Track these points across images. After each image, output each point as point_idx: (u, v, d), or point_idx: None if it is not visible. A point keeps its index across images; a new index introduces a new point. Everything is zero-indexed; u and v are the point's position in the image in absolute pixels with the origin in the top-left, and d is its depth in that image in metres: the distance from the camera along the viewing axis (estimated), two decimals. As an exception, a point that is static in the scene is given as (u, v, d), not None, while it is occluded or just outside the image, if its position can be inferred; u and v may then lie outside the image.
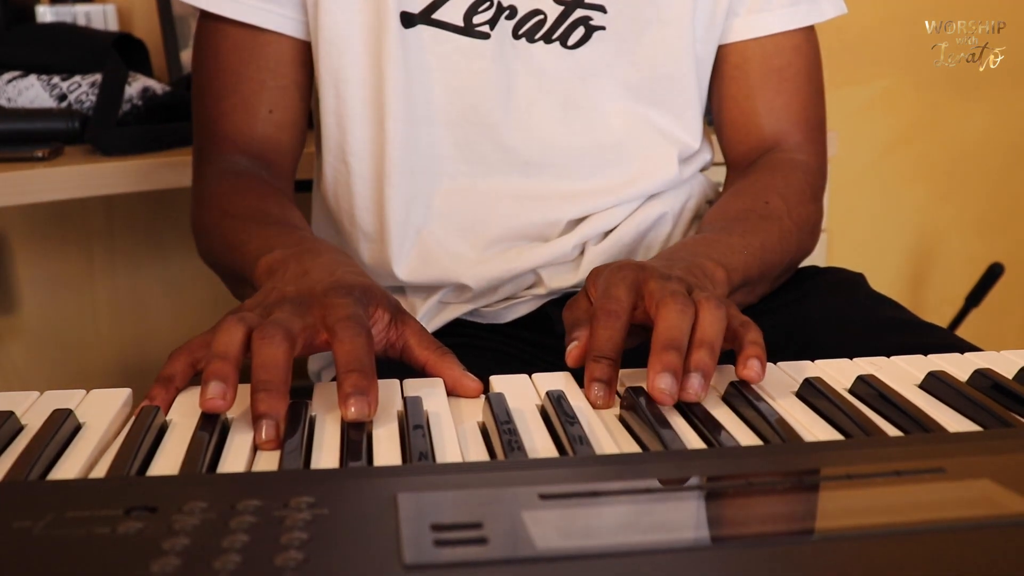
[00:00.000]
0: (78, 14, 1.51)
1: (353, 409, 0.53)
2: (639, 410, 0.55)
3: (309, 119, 0.93)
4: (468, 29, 0.84)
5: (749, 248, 0.79)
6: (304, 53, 0.88)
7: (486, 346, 0.88)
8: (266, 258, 0.71)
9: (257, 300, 0.64)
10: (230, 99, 0.87)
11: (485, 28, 0.84)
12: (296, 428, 0.53)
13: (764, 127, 0.93)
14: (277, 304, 0.61)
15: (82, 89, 1.28)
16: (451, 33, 0.84)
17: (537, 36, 0.85)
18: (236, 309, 0.62)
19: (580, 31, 0.86)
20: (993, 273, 1.85)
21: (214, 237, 0.83)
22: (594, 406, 0.58)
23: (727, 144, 0.96)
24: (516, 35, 0.85)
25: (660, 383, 0.56)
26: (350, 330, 0.57)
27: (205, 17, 0.88)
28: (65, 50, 1.30)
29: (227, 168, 0.87)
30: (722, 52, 0.92)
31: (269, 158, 0.89)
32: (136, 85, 1.29)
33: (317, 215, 0.98)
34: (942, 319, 1.83)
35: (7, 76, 1.28)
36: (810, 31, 0.93)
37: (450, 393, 0.61)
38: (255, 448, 0.52)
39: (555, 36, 0.85)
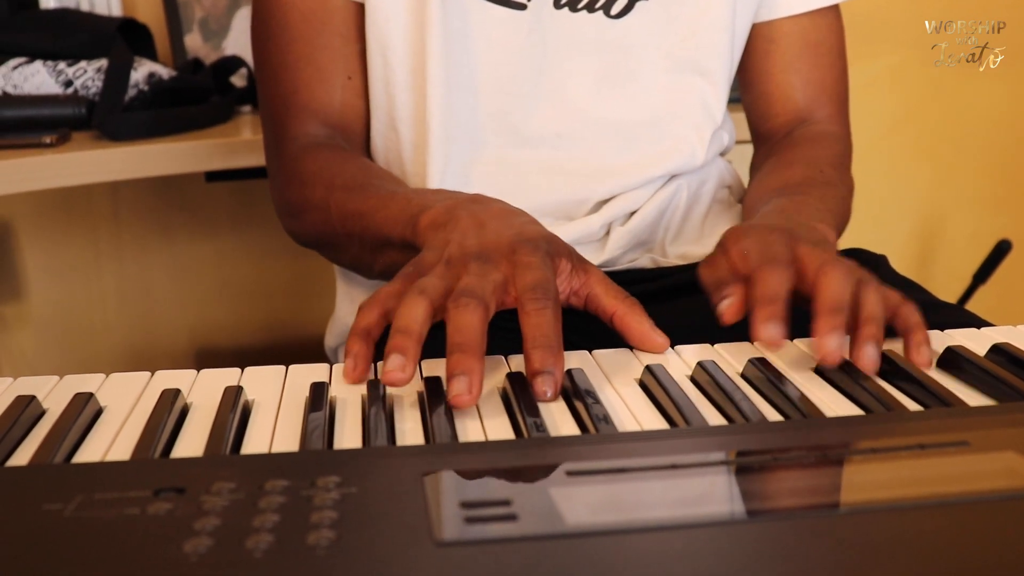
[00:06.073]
0: (81, -1, 1.51)
1: (543, 390, 0.54)
2: (663, 384, 0.55)
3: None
4: None
5: (831, 212, 0.82)
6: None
7: (510, 327, 0.88)
8: (428, 213, 0.69)
9: (435, 256, 0.62)
10: (307, 70, 0.87)
11: None
12: (319, 408, 0.53)
13: (799, 100, 0.96)
14: (461, 261, 0.60)
15: (88, 75, 1.27)
16: (488, 2, 0.84)
17: (580, 5, 0.86)
18: (414, 266, 0.61)
19: (623, 0, 0.86)
20: (1001, 250, 1.85)
21: (327, 210, 0.82)
22: (770, 345, 0.58)
23: (760, 116, 0.98)
24: (558, 5, 0.86)
25: (831, 343, 0.56)
26: (538, 303, 0.57)
27: None
28: (70, 36, 1.30)
29: (308, 142, 0.87)
30: (759, 27, 0.95)
31: (347, 126, 0.88)
32: (142, 70, 1.29)
33: None
34: (950, 296, 1.83)
35: (13, 63, 1.28)
36: (838, 7, 0.97)
37: (636, 347, 0.61)
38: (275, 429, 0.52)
39: (598, 5, 0.86)
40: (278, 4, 0.87)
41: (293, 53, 0.87)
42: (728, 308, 0.63)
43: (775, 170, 0.91)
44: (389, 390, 0.57)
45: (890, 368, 0.59)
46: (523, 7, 0.85)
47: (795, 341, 0.65)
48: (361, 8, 0.87)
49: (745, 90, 1.00)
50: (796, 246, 0.64)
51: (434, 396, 0.55)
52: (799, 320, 0.65)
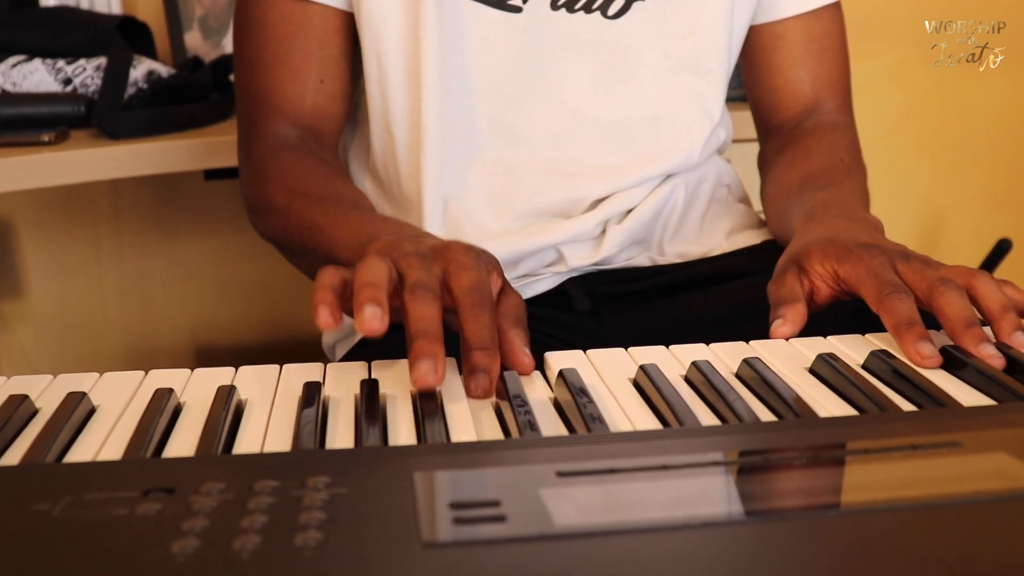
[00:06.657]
0: (81, -3, 1.51)
1: (477, 386, 0.55)
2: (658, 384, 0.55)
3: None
4: (500, 1, 0.85)
5: (862, 199, 0.86)
6: (348, 23, 0.88)
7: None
8: (375, 244, 0.70)
9: (380, 251, 0.64)
10: (280, 70, 0.88)
11: (518, 2, 0.85)
12: (310, 407, 0.53)
13: (808, 92, 0.98)
14: (403, 256, 0.61)
15: (87, 73, 1.27)
16: (483, 5, 0.85)
17: (577, 6, 0.86)
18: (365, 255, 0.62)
19: (620, 0, 0.87)
20: (1001, 249, 1.84)
21: (287, 216, 0.84)
22: (926, 360, 0.60)
23: (770, 110, 1.00)
24: (555, 6, 0.86)
25: (987, 350, 0.59)
26: (474, 308, 0.58)
27: None
28: (69, 34, 1.30)
29: (279, 142, 0.88)
30: (765, 26, 0.96)
31: (319, 128, 0.90)
32: (141, 68, 1.29)
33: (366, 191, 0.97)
34: (950, 295, 1.82)
35: (12, 60, 1.28)
36: (839, 1, 0.99)
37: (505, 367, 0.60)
38: (267, 428, 0.52)
39: (596, 5, 0.87)
40: (258, 3, 0.88)
41: (268, 52, 0.88)
42: (777, 330, 0.67)
43: (795, 161, 0.92)
44: (383, 389, 0.57)
45: (884, 367, 0.59)
46: (519, 9, 0.85)
47: (792, 341, 0.65)
48: (342, 15, 0.88)
49: (752, 85, 1.01)
50: (896, 264, 0.68)
51: (427, 397, 0.54)
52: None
